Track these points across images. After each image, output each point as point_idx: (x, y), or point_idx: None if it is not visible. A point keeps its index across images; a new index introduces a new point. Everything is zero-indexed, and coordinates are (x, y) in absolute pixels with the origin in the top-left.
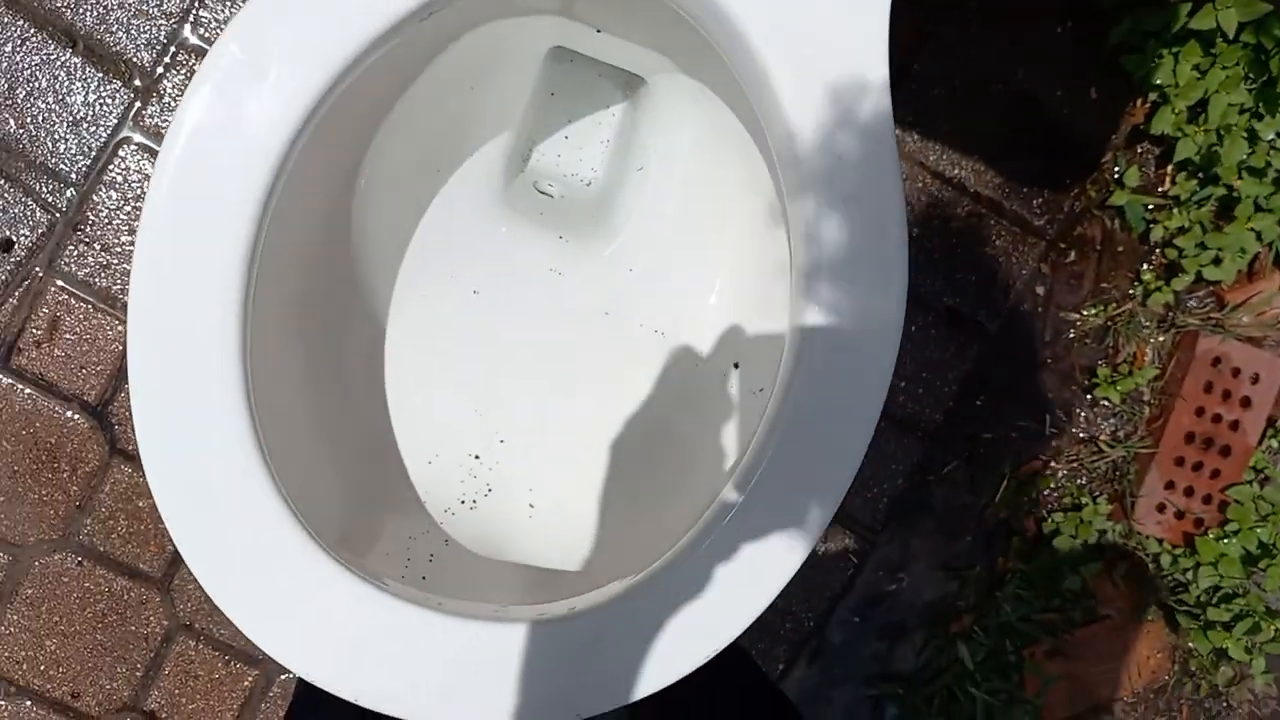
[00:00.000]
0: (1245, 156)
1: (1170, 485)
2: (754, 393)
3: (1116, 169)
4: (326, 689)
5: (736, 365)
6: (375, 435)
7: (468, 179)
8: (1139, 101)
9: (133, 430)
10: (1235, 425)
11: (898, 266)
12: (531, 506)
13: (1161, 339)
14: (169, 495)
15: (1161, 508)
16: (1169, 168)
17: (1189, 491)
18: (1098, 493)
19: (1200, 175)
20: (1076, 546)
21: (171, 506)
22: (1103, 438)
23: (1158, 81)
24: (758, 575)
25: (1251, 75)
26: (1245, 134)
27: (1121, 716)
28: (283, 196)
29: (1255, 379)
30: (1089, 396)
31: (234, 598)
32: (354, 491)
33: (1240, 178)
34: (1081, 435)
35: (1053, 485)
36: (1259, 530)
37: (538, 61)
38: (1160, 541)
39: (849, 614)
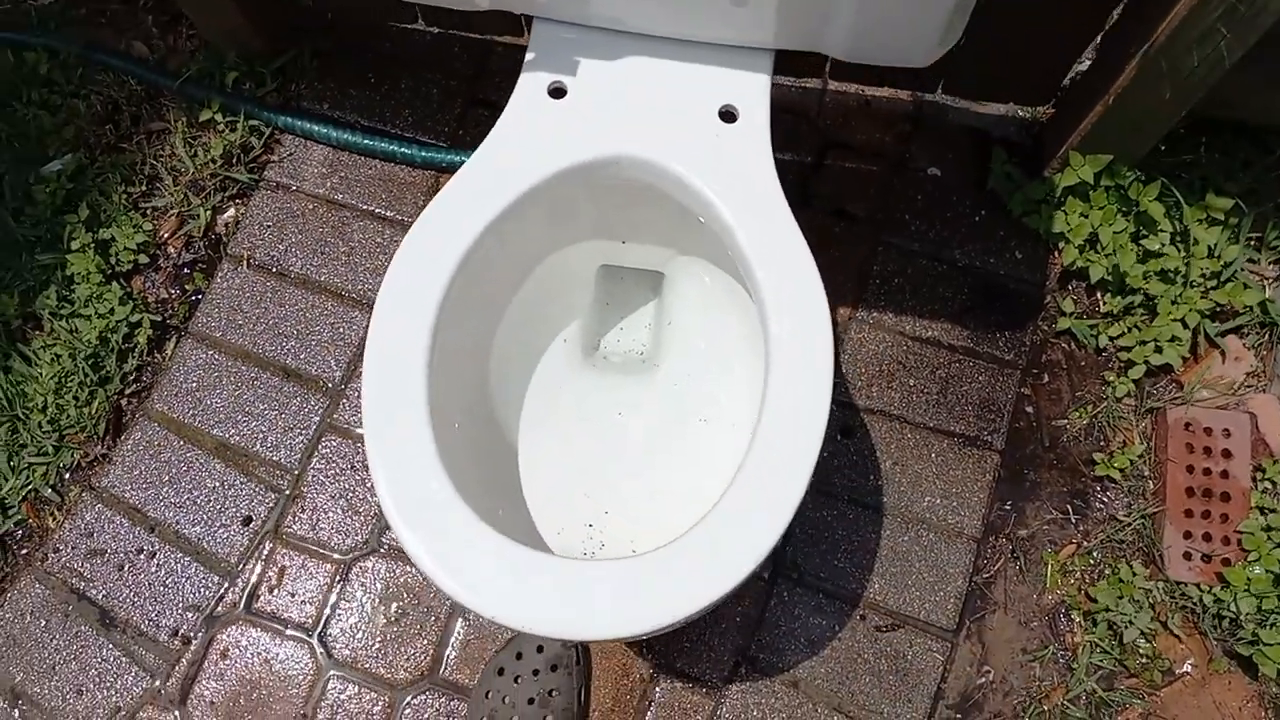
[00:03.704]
0: (1144, 267)
1: (1188, 535)
2: None
3: (1058, 303)
4: (525, 628)
5: None
6: (524, 520)
7: (557, 354)
8: (1056, 250)
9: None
10: (1225, 474)
11: (816, 293)
12: (634, 551)
13: (1141, 424)
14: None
15: (1188, 555)
16: (1097, 292)
17: (1207, 537)
18: (1131, 558)
19: (1121, 291)
20: (1127, 608)
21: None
22: (1119, 513)
23: (1057, 231)
24: (752, 535)
25: (1124, 207)
26: (1138, 251)
27: None
28: (438, 365)
29: (1227, 433)
30: (1097, 483)
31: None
32: None
33: (1147, 282)
34: (1100, 515)
35: (1091, 561)
36: (1277, 553)
37: (592, 276)
38: (1198, 586)
39: (951, 711)
